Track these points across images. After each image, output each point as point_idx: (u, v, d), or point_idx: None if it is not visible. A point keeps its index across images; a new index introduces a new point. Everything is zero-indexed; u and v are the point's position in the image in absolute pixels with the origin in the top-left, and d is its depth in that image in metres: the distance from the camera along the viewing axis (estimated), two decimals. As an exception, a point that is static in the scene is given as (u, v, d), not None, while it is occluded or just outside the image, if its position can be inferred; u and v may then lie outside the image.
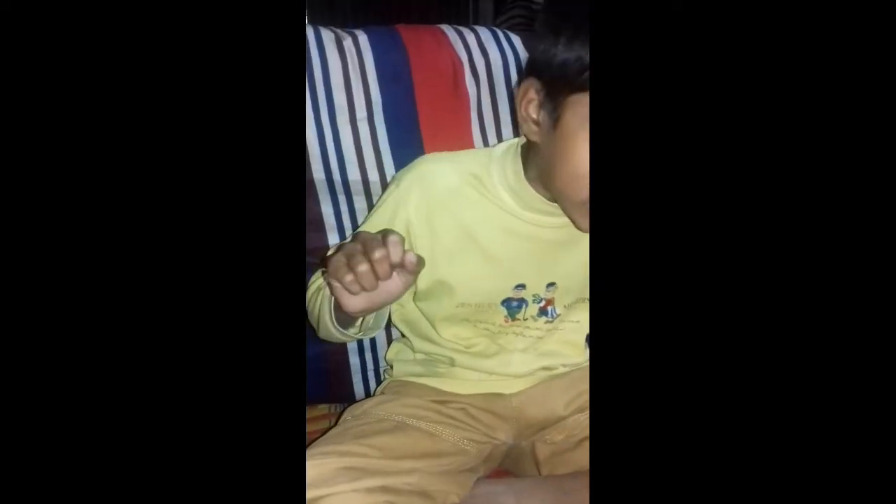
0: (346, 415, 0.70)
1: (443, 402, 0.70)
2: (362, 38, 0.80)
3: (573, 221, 0.61)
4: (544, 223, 0.67)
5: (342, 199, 0.81)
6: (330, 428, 0.70)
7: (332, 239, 0.82)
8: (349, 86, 0.78)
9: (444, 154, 0.75)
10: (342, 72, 0.78)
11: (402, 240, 0.55)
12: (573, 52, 0.55)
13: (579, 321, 0.73)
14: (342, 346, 0.86)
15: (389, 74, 0.79)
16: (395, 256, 0.52)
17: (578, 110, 0.56)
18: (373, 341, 0.88)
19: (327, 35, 0.79)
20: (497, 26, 0.91)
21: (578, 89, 0.55)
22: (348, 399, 0.88)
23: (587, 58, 0.53)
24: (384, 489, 0.57)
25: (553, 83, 0.58)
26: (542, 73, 0.59)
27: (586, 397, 0.70)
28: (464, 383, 0.72)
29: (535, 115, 0.61)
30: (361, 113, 0.79)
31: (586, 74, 0.54)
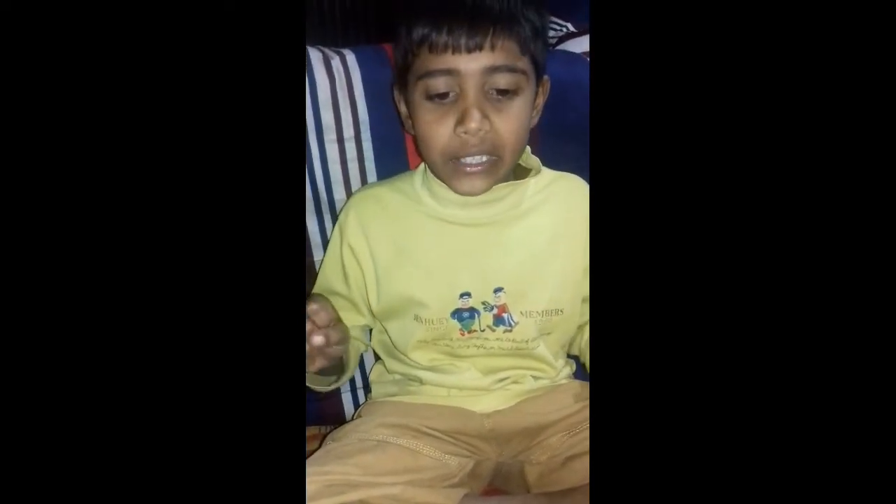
0: (328, 440, 0.70)
1: (420, 423, 0.69)
2: (350, 56, 0.80)
3: (450, 187, 0.68)
4: (461, 219, 0.70)
5: (328, 217, 0.81)
6: (317, 450, 0.69)
7: (318, 255, 0.82)
8: (336, 105, 0.78)
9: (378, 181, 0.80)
10: (330, 91, 0.78)
11: (327, 302, 0.61)
12: (403, 43, 0.64)
13: (550, 332, 0.72)
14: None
15: (377, 93, 0.79)
16: (321, 321, 0.58)
17: (418, 87, 0.64)
18: (361, 363, 0.87)
19: (315, 54, 0.79)
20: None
21: (416, 74, 0.64)
22: (338, 420, 0.86)
23: (412, 41, 0.63)
24: (366, 503, 0.57)
25: (401, 76, 0.68)
26: (397, 73, 0.69)
27: (564, 414, 0.70)
28: (434, 399, 0.73)
29: (402, 109, 0.70)
30: (348, 132, 0.79)
31: (412, 57, 0.64)
